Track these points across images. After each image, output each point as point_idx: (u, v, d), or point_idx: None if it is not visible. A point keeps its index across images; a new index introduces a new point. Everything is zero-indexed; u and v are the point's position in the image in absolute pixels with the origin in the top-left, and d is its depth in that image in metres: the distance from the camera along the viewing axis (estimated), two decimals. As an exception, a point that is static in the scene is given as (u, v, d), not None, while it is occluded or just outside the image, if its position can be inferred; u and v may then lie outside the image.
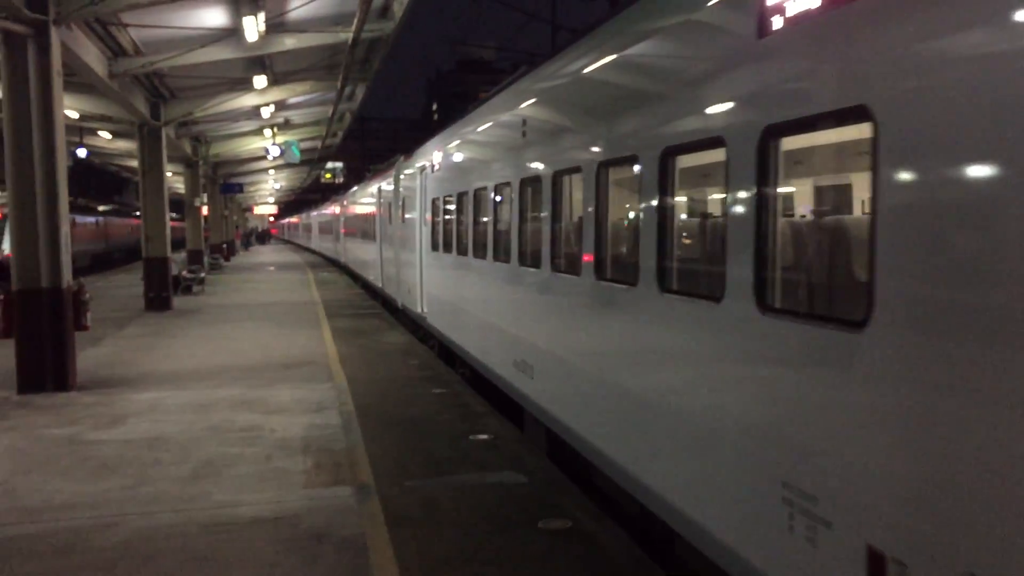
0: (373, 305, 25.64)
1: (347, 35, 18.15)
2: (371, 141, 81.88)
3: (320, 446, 9.31)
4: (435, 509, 7.33)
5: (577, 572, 6.02)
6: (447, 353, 15.45)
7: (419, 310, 17.63)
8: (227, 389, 12.45)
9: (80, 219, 45.18)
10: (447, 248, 14.53)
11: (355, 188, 37.53)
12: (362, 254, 32.27)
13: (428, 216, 16.55)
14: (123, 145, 33.34)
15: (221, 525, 6.94)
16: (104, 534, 6.79)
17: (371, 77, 24.37)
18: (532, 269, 9.26)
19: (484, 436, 9.70)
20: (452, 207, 14.03)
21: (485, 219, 11.61)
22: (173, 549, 6.46)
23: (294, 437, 9.69)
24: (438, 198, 15.28)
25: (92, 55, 16.95)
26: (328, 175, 68.92)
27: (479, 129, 12.01)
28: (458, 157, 13.71)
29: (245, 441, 9.54)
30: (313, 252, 67.31)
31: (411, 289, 18.74)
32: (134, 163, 26.94)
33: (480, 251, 11.93)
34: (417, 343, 17.25)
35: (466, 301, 13.02)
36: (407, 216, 19.42)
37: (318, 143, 41.14)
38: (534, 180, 9.20)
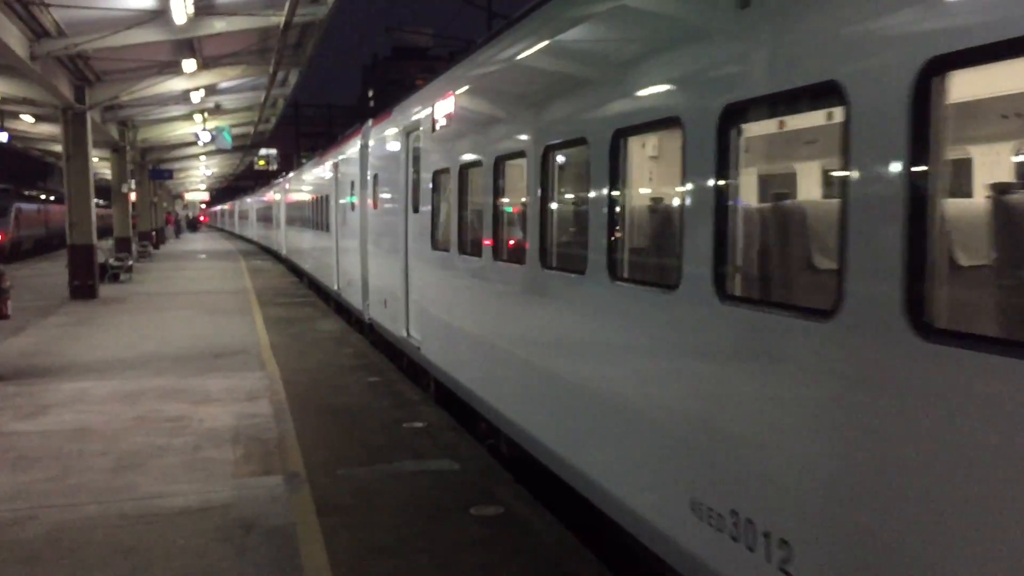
0: (307, 294, 25.35)
1: (279, 19, 17.85)
2: (305, 127, 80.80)
3: (251, 435, 9.18)
4: (367, 497, 7.29)
5: (508, 558, 6.04)
6: (451, 399, 10.41)
7: (404, 333, 12.34)
8: (155, 379, 12.19)
9: (25, 207, 48.15)
10: (468, 249, 9.17)
11: (300, 168, 31.32)
12: (310, 248, 26.27)
13: (424, 199, 11.08)
14: (47, 129, 32.38)
15: (147, 516, 6.81)
16: (24, 527, 6.60)
17: (304, 62, 24.03)
18: (780, 317, 4.07)
19: (418, 424, 9.67)
20: (480, 183, 8.57)
21: (587, 201, 6.06)
22: (97, 541, 6.32)
23: (224, 427, 9.54)
24: (446, 170, 9.93)
25: (13, 36, 16.40)
26: (261, 161, 67.97)
27: (558, 39, 6.72)
28: (497, 99, 8.47)
29: (173, 431, 9.37)
30: (250, 242, 65.08)
31: (389, 301, 13.46)
32: (59, 147, 26.22)
33: (572, 262, 6.43)
34: (351, 331, 17.11)
35: (520, 344, 7.56)
36: (382, 200, 14.11)
37: (250, 129, 40.47)
38: (762, 105, 4.31)
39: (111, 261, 28.73)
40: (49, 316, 19.46)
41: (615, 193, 5.67)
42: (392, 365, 13.44)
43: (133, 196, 39.68)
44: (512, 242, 8.08)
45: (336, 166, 19.91)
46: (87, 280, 23.32)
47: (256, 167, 70.13)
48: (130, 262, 30.24)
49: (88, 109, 23.57)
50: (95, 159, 27.78)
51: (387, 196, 13.77)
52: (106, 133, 30.42)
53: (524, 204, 7.34)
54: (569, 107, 6.51)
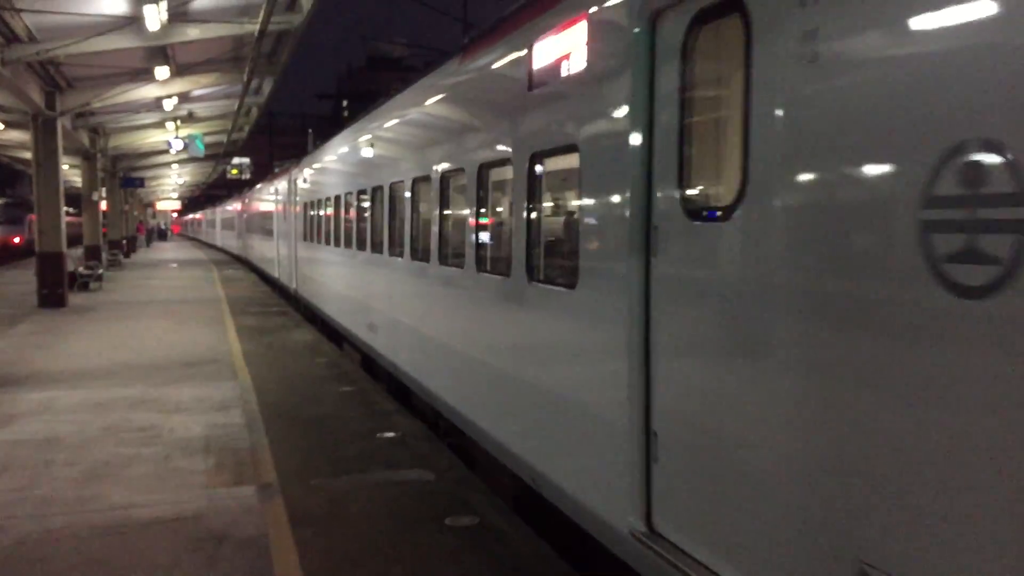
0: (280, 303, 25.17)
1: (253, 27, 17.77)
2: (279, 136, 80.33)
3: (222, 445, 9.08)
4: (341, 508, 7.22)
5: (483, 568, 6.00)
6: None
7: None
8: (125, 388, 12.04)
9: (35, 216, 53.65)
10: None
11: (343, 134, 16.06)
12: (385, 303, 12.11)
13: None
14: (16, 136, 31.98)
15: (117, 527, 6.71)
16: (-10, 539, 6.48)
17: (279, 71, 23.91)
18: None
19: (391, 434, 9.60)
20: None
21: None
22: (66, 552, 6.21)
23: (195, 436, 9.43)
24: None
25: (-18, 40, 16.22)
26: (235, 171, 67.60)
27: None
28: None
29: (143, 441, 9.25)
30: (240, 260, 48.48)
31: None
32: (28, 154, 25.91)
33: None
34: (324, 341, 17.00)
35: None
36: None
37: (224, 137, 40.21)
38: None
39: (80, 269, 28.44)
40: (16, 325, 19.19)
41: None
42: (366, 375, 13.36)
43: (104, 204, 39.32)
44: None
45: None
46: (56, 288, 23.05)
47: (229, 176, 69.78)
48: (100, 271, 29.94)
49: (59, 116, 23.32)
50: (65, 166, 27.53)
51: None
52: (77, 140, 30.11)
53: None
54: None
